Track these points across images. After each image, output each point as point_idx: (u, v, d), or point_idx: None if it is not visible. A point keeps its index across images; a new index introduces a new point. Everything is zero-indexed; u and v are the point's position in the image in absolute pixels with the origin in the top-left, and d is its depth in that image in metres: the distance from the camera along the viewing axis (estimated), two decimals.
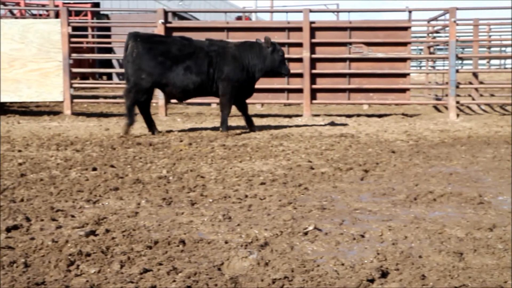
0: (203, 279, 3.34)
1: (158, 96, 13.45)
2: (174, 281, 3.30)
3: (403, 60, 13.40)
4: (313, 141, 9.35)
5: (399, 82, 13.42)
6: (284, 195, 5.59)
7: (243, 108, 10.88)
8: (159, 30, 13.46)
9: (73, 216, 4.71)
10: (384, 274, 3.46)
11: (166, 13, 13.84)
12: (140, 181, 6.13)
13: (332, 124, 11.87)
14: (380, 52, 13.40)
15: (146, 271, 3.45)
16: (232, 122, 11.33)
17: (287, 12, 19.28)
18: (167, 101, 13.50)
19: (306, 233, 4.27)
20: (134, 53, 10.14)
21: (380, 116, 13.30)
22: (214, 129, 10.87)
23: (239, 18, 26.89)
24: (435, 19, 16.15)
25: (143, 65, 10.13)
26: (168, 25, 13.74)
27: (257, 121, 12.13)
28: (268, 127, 11.30)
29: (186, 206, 5.12)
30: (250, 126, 10.83)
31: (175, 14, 26.06)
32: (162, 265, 3.57)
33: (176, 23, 15.87)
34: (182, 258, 3.72)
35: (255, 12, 25.77)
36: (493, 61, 24.89)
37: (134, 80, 10.17)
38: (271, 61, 10.67)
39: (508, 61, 25.68)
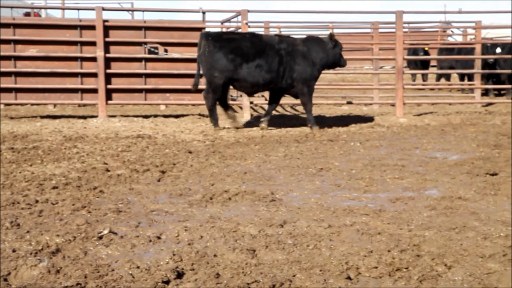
0: None
1: None
2: None
3: None
4: (109, 142, 9.16)
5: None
6: (78, 199, 5.41)
7: (276, 101, 11.69)
8: None
9: None
10: (180, 275, 3.46)
11: None
12: None
13: (129, 125, 11.71)
14: (175, 53, 13.46)
15: None
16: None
17: (79, 9, 18.73)
18: None
19: (100, 237, 4.15)
20: (207, 52, 10.78)
21: (177, 116, 13.36)
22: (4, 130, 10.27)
23: (27, 14, 25.60)
24: (228, 20, 16.53)
25: (215, 63, 10.76)
26: None
27: (48, 123, 11.66)
28: (62, 129, 10.90)
29: None
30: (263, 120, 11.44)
31: None
32: None
33: None
34: None
35: (45, 8, 24.69)
36: None
37: (209, 79, 10.90)
38: (333, 55, 11.40)
39: None
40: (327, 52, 11.37)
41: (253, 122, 12.20)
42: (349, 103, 15.02)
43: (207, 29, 13.57)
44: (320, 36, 11.79)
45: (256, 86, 11.19)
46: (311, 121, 11.30)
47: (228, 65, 10.83)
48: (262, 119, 11.45)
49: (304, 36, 11.83)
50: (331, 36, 11.44)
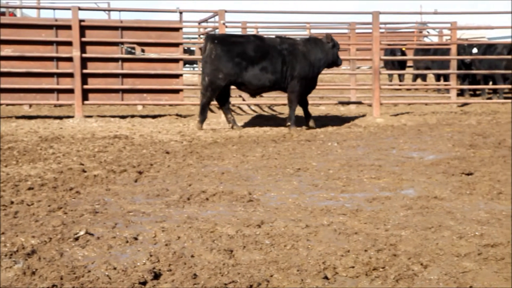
0: None
1: None
2: None
3: (176, 61, 13.53)
4: (86, 143, 9.11)
5: (172, 83, 13.52)
6: (54, 200, 5.37)
7: (304, 103, 11.61)
8: None
9: None
10: (157, 276, 3.44)
11: None
12: None
13: (106, 125, 11.65)
14: (152, 53, 13.42)
15: None
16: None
17: (54, 9, 18.58)
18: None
19: (77, 238, 4.13)
20: (213, 55, 10.86)
21: (154, 117, 13.32)
22: None
23: (2, 14, 25.32)
24: (205, 20, 16.51)
25: (221, 66, 10.85)
26: None
27: (24, 123, 11.56)
28: (38, 129, 10.82)
29: None
30: (308, 122, 11.52)
31: None
32: None
33: None
34: None
35: (20, 8, 24.45)
36: None
37: (211, 79, 10.94)
38: (332, 55, 11.65)
39: None
40: (326, 52, 11.54)
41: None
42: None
43: (184, 29, 13.55)
44: (319, 37, 11.93)
45: (261, 89, 11.40)
46: (292, 119, 11.37)
47: (234, 69, 10.96)
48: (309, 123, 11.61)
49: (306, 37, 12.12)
50: (328, 36, 11.62)
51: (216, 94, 11.24)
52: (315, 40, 11.75)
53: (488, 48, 16.94)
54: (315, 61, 11.46)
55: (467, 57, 16.34)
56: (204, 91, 11.10)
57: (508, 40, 19.12)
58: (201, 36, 18.04)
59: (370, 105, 14.28)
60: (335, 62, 11.86)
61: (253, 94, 11.86)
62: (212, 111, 15.21)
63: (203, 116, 11.21)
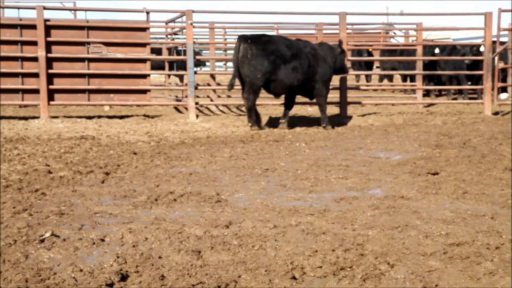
0: None
1: None
2: None
3: (143, 61, 13.45)
4: (52, 144, 9.00)
5: (139, 83, 13.43)
6: (19, 201, 5.30)
7: (289, 105, 11.93)
8: None
9: None
10: (124, 277, 3.42)
11: None
12: None
13: (72, 126, 11.53)
14: (119, 53, 13.31)
15: None
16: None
17: (19, 8, 18.31)
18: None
19: (42, 240, 4.08)
20: (249, 55, 10.92)
21: (121, 117, 13.23)
22: None
23: None
24: (172, 21, 16.44)
25: (259, 65, 10.89)
26: None
27: None
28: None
29: None
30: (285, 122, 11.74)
31: None
32: None
33: None
34: None
35: None
36: (229, 63, 26.05)
37: (251, 80, 10.94)
38: (340, 61, 11.99)
39: None
40: (335, 58, 11.87)
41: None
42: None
43: (151, 29, 13.45)
44: (330, 43, 12.27)
45: (288, 88, 11.44)
46: (325, 121, 11.65)
47: (269, 67, 10.99)
48: (282, 121, 11.72)
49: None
50: (340, 43, 12.08)
51: (258, 95, 11.32)
52: (327, 45, 12.02)
53: (453, 49, 17.15)
54: (331, 65, 11.76)
55: (433, 58, 16.52)
56: (246, 95, 11.14)
57: (472, 41, 19.38)
58: (169, 36, 17.97)
59: (337, 105, 14.36)
60: (343, 69, 12.23)
61: (278, 94, 11.85)
62: (179, 111, 15.16)
63: (253, 119, 11.26)
